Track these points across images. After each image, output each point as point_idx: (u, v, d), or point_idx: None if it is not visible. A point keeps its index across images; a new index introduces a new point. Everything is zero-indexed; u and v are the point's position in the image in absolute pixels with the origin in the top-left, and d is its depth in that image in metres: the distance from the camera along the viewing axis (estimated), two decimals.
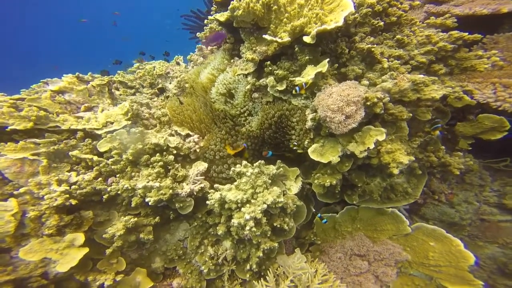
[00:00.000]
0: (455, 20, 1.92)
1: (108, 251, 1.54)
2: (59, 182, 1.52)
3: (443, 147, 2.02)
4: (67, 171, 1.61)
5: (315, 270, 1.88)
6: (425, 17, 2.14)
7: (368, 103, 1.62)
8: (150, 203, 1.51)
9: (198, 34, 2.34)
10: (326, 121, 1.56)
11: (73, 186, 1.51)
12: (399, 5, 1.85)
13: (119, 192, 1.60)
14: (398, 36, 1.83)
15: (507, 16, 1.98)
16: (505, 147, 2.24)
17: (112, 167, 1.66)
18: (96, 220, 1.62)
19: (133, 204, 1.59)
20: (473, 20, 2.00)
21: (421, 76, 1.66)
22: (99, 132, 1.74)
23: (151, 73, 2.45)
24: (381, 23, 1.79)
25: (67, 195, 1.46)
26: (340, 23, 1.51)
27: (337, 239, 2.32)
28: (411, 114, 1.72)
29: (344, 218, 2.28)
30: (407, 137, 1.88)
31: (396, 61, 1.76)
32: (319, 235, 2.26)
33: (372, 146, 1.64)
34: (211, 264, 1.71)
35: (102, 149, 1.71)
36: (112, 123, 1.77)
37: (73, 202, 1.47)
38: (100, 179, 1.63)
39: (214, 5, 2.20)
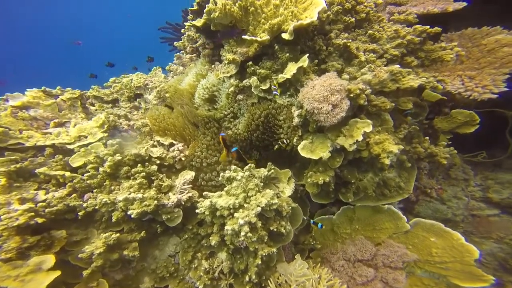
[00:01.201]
0: (416, 16, 2.07)
1: (85, 272, 1.33)
2: (22, 201, 1.32)
3: (427, 137, 2.07)
4: (33, 190, 1.42)
5: (318, 275, 1.76)
6: (388, 18, 2.29)
7: (352, 95, 1.63)
8: (133, 216, 1.36)
9: (175, 44, 2.32)
10: (313, 113, 1.54)
11: (39, 204, 1.32)
12: (366, 3, 1.96)
13: (97, 207, 1.43)
14: (370, 32, 1.91)
15: (452, 16, 2.17)
16: (479, 140, 2.34)
17: (88, 182, 1.49)
18: (71, 240, 1.41)
19: (114, 219, 1.41)
20: (428, 18, 2.17)
21: (397, 66, 1.72)
22: (71, 146, 1.58)
23: (128, 86, 2.35)
24: (352, 20, 1.88)
25: (32, 213, 1.27)
26: (315, 18, 1.56)
27: (337, 242, 2.23)
28: (393, 104, 1.75)
29: (341, 219, 2.21)
30: (392, 129, 1.91)
31: (372, 54, 1.82)
32: (318, 239, 2.16)
33: (360, 138, 1.63)
34: (206, 279, 1.54)
35: (75, 164, 1.55)
36: (86, 137, 1.63)
37: (40, 220, 1.27)
38: (74, 195, 1.46)
39: (190, 14, 2.22)
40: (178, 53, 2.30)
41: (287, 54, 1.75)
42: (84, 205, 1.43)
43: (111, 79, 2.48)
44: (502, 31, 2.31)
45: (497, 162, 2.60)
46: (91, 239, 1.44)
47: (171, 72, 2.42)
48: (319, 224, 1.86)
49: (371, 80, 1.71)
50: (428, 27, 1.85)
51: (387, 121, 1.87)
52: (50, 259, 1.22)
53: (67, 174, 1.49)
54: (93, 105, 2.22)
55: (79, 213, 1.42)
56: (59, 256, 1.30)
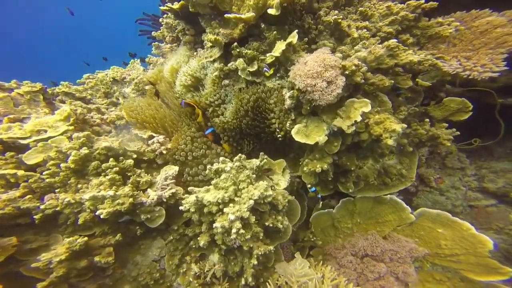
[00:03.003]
0: None
1: (40, 285, 1.08)
2: None
3: (427, 120, 1.96)
4: None
5: (321, 274, 1.58)
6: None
7: (347, 72, 1.50)
8: (102, 217, 1.14)
9: (153, 33, 2.14)
10: (307, 91, 1.39)
11: None
12: None
13: (58, 209, 1.20)
14: (361, 9, 1.80)
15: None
16: (469, 128, 2.27)
17: (48, 180, 1.27)
18: (25, 248, 1.17)
19: (80, 221, 1.19)
20: None
21: (395, 40, 1.59)
22: (25, 141, 1.35)
23: (104, 81, 2.15)
24: None
25: None
26: None
27: (338, 237, 2.08)
28: (392, 81, 1.63)
29: (342, 213, 2.06)
30: (391, 111, 1.78)
31: (366, 31, 1.71)
32: (318, 235, 1.99)
33: (359, 118, 1.49)
34: (197, 285, 1.33)
35: (31, 162, 1.31)
36: (46, 131, 1.40)
37: None
38: (29, 196, 1.22)
39: (167, 2, 2.05)
40: (156, 43, 2.12)
41: (275, 33, 1.60)
42: (42, 207, 1.20)
43: (85, 75, 2.27)
44: (491, 13, 2.26)
45: (489, 150, 2.55)
46: (52, 246, 1.20)
47: (151, 65, 2.24)
48: (312, 188, 1.65)
49: (367, 57, 1.58)
50: (422, 1, 1.75)
51: (385, 103, 1.75)
52: None
53: (20, 173, 1.25)
54: (63, 102, 2.00)
55: (35, 217, 1.19)
56: (6, 268, 1.06)
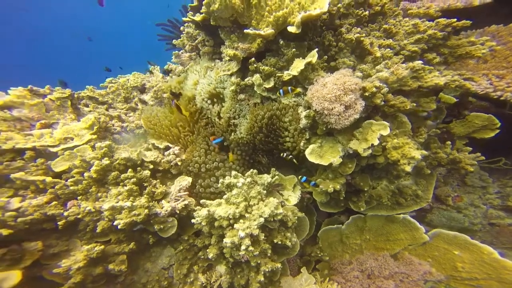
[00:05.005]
0: (438, 9, 1.87)
1: None
2: None
3: (449, 142, 1.87)
4: (5, 198, 1.27)
5: None
6: (403, 14, 2.11)
7: (366, 94, 1.47)
8: (119, 227, 1.21)
9: (174, 41, 2.19)
10: (323, 114, 1.37)
11: (7, 214, 1.16)
12: None
13: (79, 216, 1.28)
14: (385, 26, 1.74)
15: (469, 14, 1.96)
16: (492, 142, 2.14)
17: (72, 188, 1.35)
18: (48, 253, 1.27)
19: (98, 230, 1.27)
20: (448, 14, 1.98)
21: (420, 62, 1.53)
22: (54, 149, 1.44)
23: (125, 86, 2.23)
24: (366, 13, 1.71)
25: None
26: (325, 8, 1.40)
27: (346, 253, 2.07)
28: (414, 104, 1.57)
29: (351, 229, 2.04)
30: (411, 132, 1.72)
31: (389, 49, 1.65)
32: (325, 251, 1.99)
33: (376, 142, 1.46)
34: None
35: (58, 169, 1.41)
36: (72, 139, 1.50)
37: (5, 232, 1.11)
38: (54, 203, 1.32)
39: (189, 11, 2.08)
40: (176, 51, 2.16)
41: (293, 50, 1.59)
42: (65, 213, 1.29)
43: (108, 79, 2.36)
44: None
45: None
46: (72, 251, 1.29)
47: (170, 72, 2.29)
48: (303, 178, 1.61)
49: (388, 78, 1.53)
50: (454, 20, 1.65)
51: (405, 124, 1.69)
52: (13, 276, 1.05)
53: (48, 179, 1.35)
54: (87, 106, 2.10)
55: (58, 223, 1.28)
56: (31, 272, 1.15)
